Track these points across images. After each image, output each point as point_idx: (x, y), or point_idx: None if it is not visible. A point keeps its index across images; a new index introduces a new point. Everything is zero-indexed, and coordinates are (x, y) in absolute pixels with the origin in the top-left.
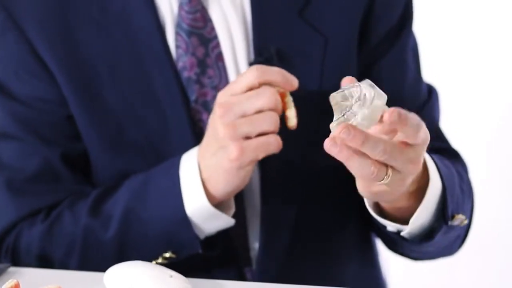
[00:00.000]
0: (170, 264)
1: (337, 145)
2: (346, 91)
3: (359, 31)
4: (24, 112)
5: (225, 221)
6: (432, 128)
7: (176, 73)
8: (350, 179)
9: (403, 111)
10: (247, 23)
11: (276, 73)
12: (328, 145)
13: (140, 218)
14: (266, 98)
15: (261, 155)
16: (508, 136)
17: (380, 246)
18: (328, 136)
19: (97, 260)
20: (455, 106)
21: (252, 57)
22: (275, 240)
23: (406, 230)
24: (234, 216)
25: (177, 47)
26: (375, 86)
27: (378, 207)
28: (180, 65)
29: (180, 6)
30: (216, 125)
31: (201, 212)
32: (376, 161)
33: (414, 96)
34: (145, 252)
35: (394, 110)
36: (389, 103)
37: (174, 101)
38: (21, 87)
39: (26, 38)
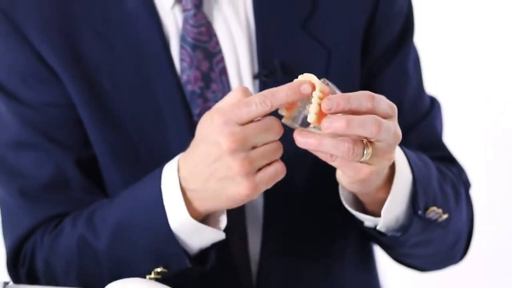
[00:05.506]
0: (170, 279)
1: (304, 135)
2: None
3: (362, 44)
4: (36, 118)
5: (215, 234)
6: (433, 138)
7: (179, 87)
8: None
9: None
10: (252, 36)
11: (282, 96)
12: (298, 137)
13: (130, 231)
14: (276, 133)
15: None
16: (506, 143)
17: (378, 254)
18: None
19: (94, 274)
20: (452, 112)
21: (256, 70)
22: (276, 254)
23: (381, 222)
24: (235, 231)
25: (181, 60)
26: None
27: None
28: (184, 78)
29: (185, 20)
30: (223, 157)
31: (186, 227)
32: (352, 140)
33: (416, 107)
34: (137, 267)
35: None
36: None
37: (177, 115)
38: (31, 93)
39: (30, 44)
